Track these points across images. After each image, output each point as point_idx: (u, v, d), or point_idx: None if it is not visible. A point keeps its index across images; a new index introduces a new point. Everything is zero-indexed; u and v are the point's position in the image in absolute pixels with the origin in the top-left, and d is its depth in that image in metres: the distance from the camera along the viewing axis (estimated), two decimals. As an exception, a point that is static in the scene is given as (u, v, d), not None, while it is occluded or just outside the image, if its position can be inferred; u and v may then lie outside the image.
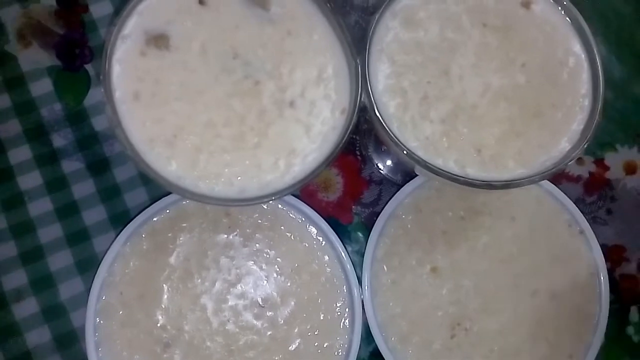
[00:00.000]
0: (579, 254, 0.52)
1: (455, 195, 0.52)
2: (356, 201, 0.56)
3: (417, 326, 0.50)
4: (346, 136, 0.40)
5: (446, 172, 0.39)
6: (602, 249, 0.56)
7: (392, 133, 0.39)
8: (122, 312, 0.48)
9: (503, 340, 0.50)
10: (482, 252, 0.51)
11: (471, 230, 0.51)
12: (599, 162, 0.58)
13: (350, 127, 0.40)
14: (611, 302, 0.51)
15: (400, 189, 0.52)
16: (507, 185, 0.39)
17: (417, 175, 0.55)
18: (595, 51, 0.41)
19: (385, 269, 0.50)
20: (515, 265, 0.51)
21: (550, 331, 0.50)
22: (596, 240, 0.52)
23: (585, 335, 0.50)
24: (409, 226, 0.51)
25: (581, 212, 0.56)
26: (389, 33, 0.40)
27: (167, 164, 0.38)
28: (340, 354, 0.49)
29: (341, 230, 0.53)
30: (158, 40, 0.39)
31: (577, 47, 0.41)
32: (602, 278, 0.51)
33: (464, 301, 0.50)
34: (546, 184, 0.52)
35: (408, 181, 0.56)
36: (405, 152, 0.38)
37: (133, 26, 0.39)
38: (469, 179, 0.39)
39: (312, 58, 0.41)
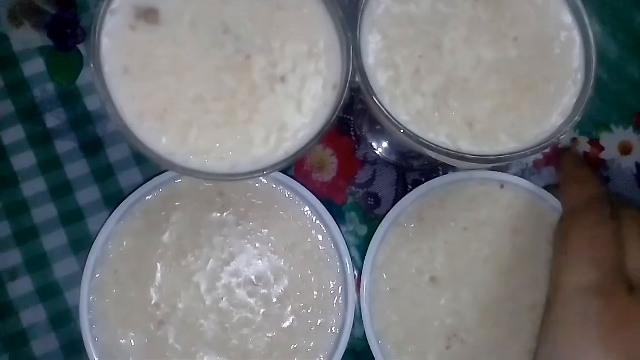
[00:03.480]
0: None
1: (459, 205, 0.51)
2: (350, 182, 0.56)
3: (414, 335, 0.49)
4: (338, 112, 0.40)
5: (438, 146, 0.38)
6: (596, 229, 0.56)
7: (384, 107, 0.39)
8: (115, 290, 0.48)
9: (499, 353, 0.49)
10: (483, 263, 0.50)
11: (473, 242, 0.51)
12: (594, 142, 0.58)
13: (342, 102, 0.40)
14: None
15: (404, 197, 0.51)
16: (499, 159, 0.39)
17: (412, 155, 0.56)
18: (587, 25, 0.40)
19: (385, 276, 0.50)
20: (515, 279, 0.50)
21: None
22: None
23: None
24: (410, 234, 0.51)
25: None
26: (380, 6, 0.40)
27: (157, 139, 0.38)
28: (334, 331, 0.49)
29: (335, 211, 0.53)
30: (148, 15, 0.39)
31: (569, 21, 0.41)
32: None
33: (461, 312, 0.50)
34: (552, 199, 0.51)
35: (403, 161, 0.56)
36: (401, 130, 0.38)
37: (122, 0, 0.38)
38: (462, 153, 0.39)
39: (303, 33, 0.41)
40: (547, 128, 0.40)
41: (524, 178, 0.53)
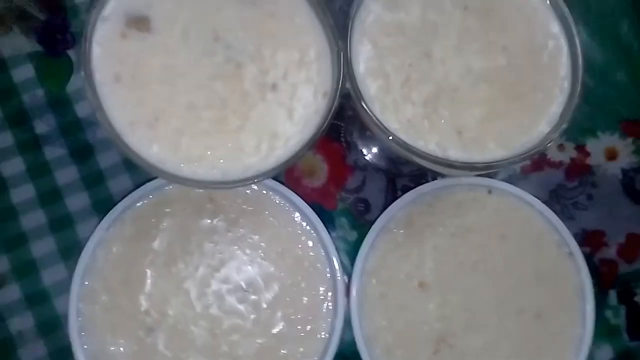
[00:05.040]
0: (566, 275, 0.51)
1: (448, 211, 0.52)
2: (341, 187, 0.56)
3: (402, 340, 0.50)
4: (328, 120, 0.40)
5: (427, 154, 0.39)
6: (582, 234, 0.57)
7: (374, 115, 0.39)
8: (105, 297, 0.48)
9: (486, 358, 0.50)
10: (471, 268, 0.51)
11: (461, 247, 0.51)
12: (580, 148, 0.59)
13: (333, 110, 0.40)
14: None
15: (393, 203, 0.51)
16: (488, 166, 0.40)
17: (401, 161, 0.56)
18: (574, 34, 0.41)
19: (374, 282, 0.50)
20: (503, 284, 0.51)
21: (533, 351, 0.50)
22: (585, 263, 0.51)
23: (568, 358, 0.50)
24: (399, 240, 0.51)
25: (562, 197, 0.57)
26: (370, 15, 0.40)
27: (148, 147, 0.38)
28: (323, 336, 0.49)
29: (325, 216, 0.54)
30: (139, 23, 0.39)
31: (557, 30, 0.42)
32: (588, 301, 0.51)
33: (449, 317, 0.50)
34: (538, 204, 0.52)
35: (392, 167, 0.56)
36: (390, 137, 0.39)
37: (113, 7, 0.38)
38: (450, 161, 0.39)
39: (294, 41, 0.41)
40: (534, 135, 0.41)
41: (512, 183, 0.53)
